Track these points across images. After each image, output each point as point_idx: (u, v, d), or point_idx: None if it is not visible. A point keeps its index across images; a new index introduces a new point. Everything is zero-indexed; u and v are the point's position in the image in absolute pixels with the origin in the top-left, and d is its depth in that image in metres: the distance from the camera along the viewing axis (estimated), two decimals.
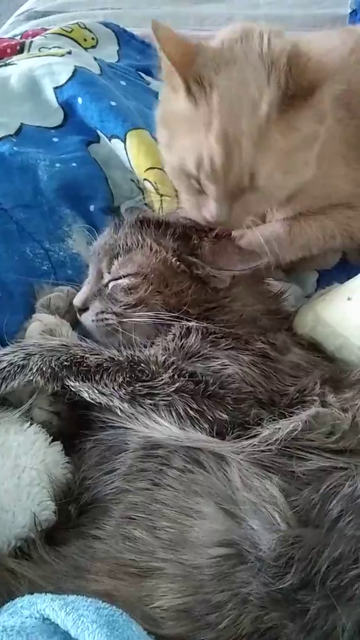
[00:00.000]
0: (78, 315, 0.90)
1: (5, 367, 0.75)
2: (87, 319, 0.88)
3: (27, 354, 0.76)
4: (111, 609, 0.53)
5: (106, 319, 0.86)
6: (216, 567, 0.59)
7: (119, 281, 0.88)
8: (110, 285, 0.88)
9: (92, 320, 0.87)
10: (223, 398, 0.73)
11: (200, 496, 0.65)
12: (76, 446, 0.77)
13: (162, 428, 0.71)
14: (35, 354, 0.76)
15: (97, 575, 0.62)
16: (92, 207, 1.12)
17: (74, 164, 1.14)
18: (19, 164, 1.09)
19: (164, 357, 0.77)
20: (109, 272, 0.90)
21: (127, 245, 0.90)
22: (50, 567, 0.64)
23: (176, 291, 0.86)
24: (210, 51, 0.88)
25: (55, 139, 1.20)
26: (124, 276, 0.87)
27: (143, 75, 1.51)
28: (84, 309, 0.89)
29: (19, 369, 0.75)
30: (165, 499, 0.66)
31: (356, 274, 0.95)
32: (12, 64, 1.32)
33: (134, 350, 0.79)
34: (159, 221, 0.94)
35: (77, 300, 0.90)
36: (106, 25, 1.63)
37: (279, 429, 0.69)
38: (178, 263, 0.88)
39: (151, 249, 0.89)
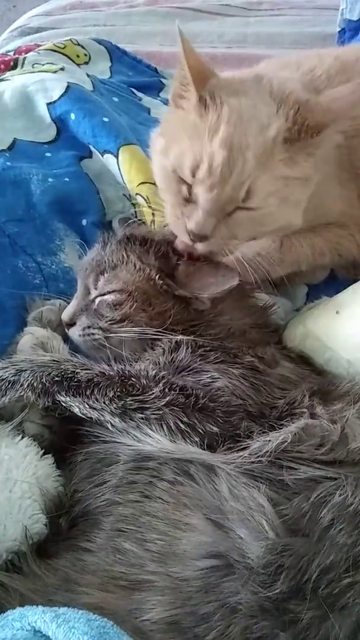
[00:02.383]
0: (66, 329, 0.92)
1: None
2: (74, 333, 0.90)
3: (17, 370, 0.76)
4: (102, 621, 0.53)
5: (92, 333, 0.88)
6: (203, 579, 0.60)
7: (105, 297, 0.89)
8: (97, 301, 0.90)
9: (79, 335, 0.89)
10: (213, 411, 0.73)
11: (189, 508, 0.65)
12: (67, 459, 0.77)
13: (154, 441, 0.71)
14: (26, 370, 0.76)
15: (87, 588, 0.62)
16: (84, 222, 1.13)
17: (67, 179, 1.15)
18: (12, 178, 1.10)
19: (154, 372, 0.77)
20: (96, 288, 0.92)
21: (112, 261, 0.92)
22: (41, 580, 0.64)
23: (159, 311, 0.87)
24: (222, 79, 0.91)
25: (48, 154, 1.21)
26: (110, 292, 0.89)
27: (135, 91, 1.53)
28: (71, 323, 0.91)
29: (10, 384, 0.75)
30: (155, 511, 0.66)
31: (344, 288, 0.96)
32: (5, 80, 1.33)
33: (124, 365, 0.79)
34: (144, 238, 0.95)
35: (65, 315, 0.92)
36: (99, 41, 1.65)
37: (269, 441, 0.69)
38: (160, 282, 0.89)
39: (135, 267, 0.90)
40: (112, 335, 0.86)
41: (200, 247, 0.88)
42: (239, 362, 0.80)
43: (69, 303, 1.00)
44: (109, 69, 1.61)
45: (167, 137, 0.93)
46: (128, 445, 0.73)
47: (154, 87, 1.62)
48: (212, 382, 0.77)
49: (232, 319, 0.89)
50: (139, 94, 1.53)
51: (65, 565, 0.65)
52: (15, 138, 1.20)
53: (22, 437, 0.75)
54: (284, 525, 0.62)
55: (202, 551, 0.62)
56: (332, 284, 1.11)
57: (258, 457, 0.68)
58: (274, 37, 1.90)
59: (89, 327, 0.89)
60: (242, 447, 0.70)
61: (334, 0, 1.88)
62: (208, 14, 2.04)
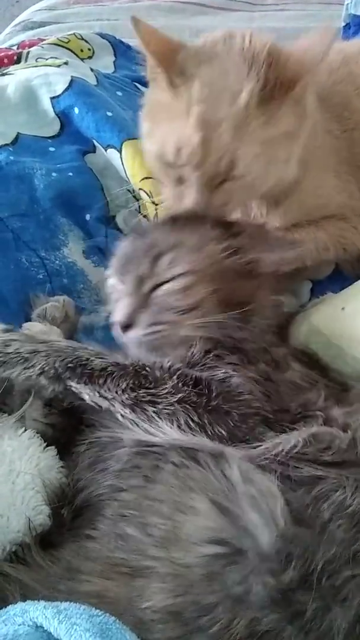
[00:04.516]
0: (120, 333, 0.82)
1: (10, 353, 0.74)
2: (135, 336, 0.81)
3: (34, 350, 0.75)
4: (104, 617, 0.53)
5: (158, 331, 0.80)
6: (207, 566, 0.58)
7: (170, 284, 0.82)
8: (159, 292, 0.82)
9: (143, 335, 0.80)
10: (228, 413, 0.71)
11: (194, 492, 0.64)
12: (70, 450, 0.76)
13: (163, 435, 0.70)
14: (41, 352, 0.74)
15: (89, 576, 0.61)
16: (88, 216, 1.13)
17: (70, 174, 1.15)
18: (16, 173, 1.10)
19: (169, 364, 0.75)
20: (151, 277, 0.83)
21: (169, 244, 0.85)
22: (44, 571, 0.64)
23: (230, 288, 0.82)
24: (192, 48, 0.91)
25: (51, 149, 1.21)
26: (175, 277, 0.82)
27: (139, 85, 1.52)
28: (129, 325, 0.81)
29: (23, 360, 0.74)
30: (158, 494, 0.65)
31: (350, 284, 0.96)
32: (9, 74, 1.33)
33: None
34: (190, 216, 0.90)
35: (121, 315, 0.82)
36: (102, 36, 1.64)
37: (280, 443, 0.68)
38: (224, 253, 0.84)
39: (197, 244, 0.85)
40: (179, 330, 0.79)
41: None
42: (252, 368, 0.77)
43: (73, 299, 0.99)
44: (113, 63, 1.60)
45: (150, 120, 0.94)
46: (134, 433, 0.72)
47: None
48: (228, 377, 0.74)
49: (261, 318, 0.85)
50: (143, 89, 1.51)
51: (68, 555, 0.65)
52: (18, 132, 1.20)
53: (25, 429, 0.75)
54: (290, 515, 0.61)
55: (205, 536, 0.60)
56: (337, 279, 1.10)
57: (265, 457, 0.67)
58: (278, 32, 1.85)
59: (154, 324, 0.80)
60: (252, 447, 0.69)
61: None
62: (212, 9, 2.03)
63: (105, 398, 0.72)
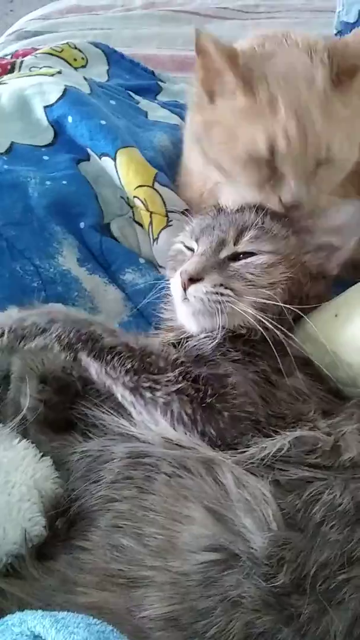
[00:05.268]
0: (183, 286, 0.81)
1: (27, 326, 0.78)
2: (198, 290, 0.80)
3: (51, 319, 0.78)
4: (102, 625, 0.53)
5: (222, 294, 0.79)
6: (203, 572, 0.59)
7: (254, 258, 0.83)
8: (240, 260, 0.83)
9: (205, 292, 0.80)
10: (219, 413, 0.72)
11: (189, 500, 0.64)
12: (63, 459, 0.77)
13: (156, 426, 0.72)
14: (58, 321, 0.78)
15: (85, 588, 0.61)
16: (82, 224, 1.13)
17: (64, 182, 1.15)
18: (10, 181, 1.10)
19: (175, 356, 0.77)
20: (236, 244, 0.85)
21: (255, 222, 0.86)
22: (39, 584, 0.64)
23: (300, 282, 0.84)
24: (247, 52, 0.92)
25: (45, 157, 1.21)
26: (261, 252, 0.83)
27: (132, 94, 1.53)
28: (197, 279, 0.81)
29: (41, 331, 0.77)
30: (152, 504, 0.65)
31: (343, 290, 0.96)
32: (2, 83, 1.33)
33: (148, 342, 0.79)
34: (274, 212, 0.91)
35: (192, 268, 0.81)
36: (96, 45, 1.65)
37: (265, 447, 0.69)
38: (304, 249, 0.87)
39: (282, 232, 0.87)
40: (241, 301, 0.79)
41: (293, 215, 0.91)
42: (253, 367, 0.78)
43: (67, 306, 0.99)
44: (106, 72, 1.61)
45: (225, 127, 0.93)
46: (127, 438, 0.73)
47: (151, 90, 1.62)
48: (226, 376, 0.75)
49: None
50: (137, 97, 1.53)
51: (63, 566, 0.65)
52: (12, 141, 1.20)
53: (20, 440, 0.75)
54: (283, 519, 0.62)
55: (202, 544, 0.61)
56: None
57: (252, 462, 0.68)
58: None
59: (221, 285, 0.80)
60: (238, 451, 0.70)
61: (330, 3, 1.89)
62: (205, 17, 2.05)
63: (110, 376, 0.75)
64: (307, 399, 0.78)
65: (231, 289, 0.80)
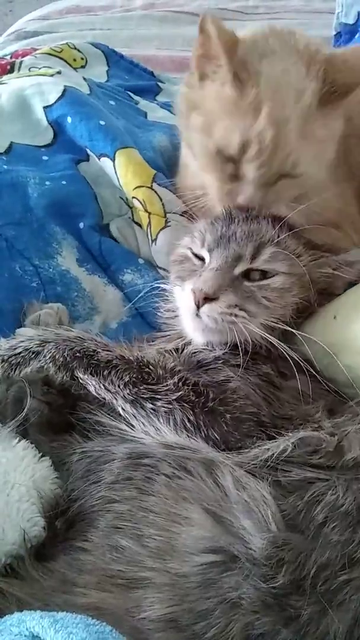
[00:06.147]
0: (197, 304, 0.79)
1: (20, 353, 0.78)
2: (213, 310, 0.78)
3: (42, 341, 0.79)
4: (101, 625, 0.53)
5: (236, 315, 0.78)
6: (202, 574, 0.59)
7: (271, 280, 0.82)
8: (256, 282, 0.82)
9: (220, 313, 0.78)
10: (222, 415, 0.73)
11: (188, 502, 0.65)
12: (63, 460, 0.77)
13: (158, 434, 0.72)
14: (50, 342, 0.78)
15: (84, 589, 0.62)
16: (81, 225, 1.13)
17: (64, 182, 1.15)
18: (9, 181, 1.10)
19: (172, 364, 0.77)
20: (252, 261, 0.83)
21: (272, 238, 0.84)
22: (38, 584, 0.64)
23: (309, 299, 0.84)
24: (248, 42, 0.92)
25: (45, 158, 1.21)
26: (277, 274, 0.82)
27: (132, 95, 1.53)
28: (213, 298, 0.79)
29: (34, 355, 0.78)
30: (152, 506, 0.66)
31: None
32: (2, 84, 1.33)
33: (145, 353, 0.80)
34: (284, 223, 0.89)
35: (209, 287, 0.79)
36: (95, 45, 1.65)
37: (268, 449, 0.69)
38: (316, 264, 0.86)
39: (297, 249, 0.87)
40: (253, 322, 0.78)
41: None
42: (256, 371, 0.78)
43: (66, 307, 0.99)
44: (106, 72, 1.61)
45: (205, 115, 0.93)
46: (124, 442, 0.73)
47: (151, 91, 1.63)
48: (227, 382, 0.76)
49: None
50: (136, 98, 1.53)
51: (62, 567, 0.65)
52: (12, 141, 1.20)
53: (19, 440, 0.75)
54: (283, 521, 0.62)
55: (201, 546, 0.61)
56: None
57: (254, 463, 0.68)
58: None
59: (236, 306, 0.78)
60: (242, 453, 0.70)
61: (329, 4, 1.89)
62: None
63: (109, 391, 0.75)
64: (312, 400, 0.78)
65: (245, 310, 0.79)
